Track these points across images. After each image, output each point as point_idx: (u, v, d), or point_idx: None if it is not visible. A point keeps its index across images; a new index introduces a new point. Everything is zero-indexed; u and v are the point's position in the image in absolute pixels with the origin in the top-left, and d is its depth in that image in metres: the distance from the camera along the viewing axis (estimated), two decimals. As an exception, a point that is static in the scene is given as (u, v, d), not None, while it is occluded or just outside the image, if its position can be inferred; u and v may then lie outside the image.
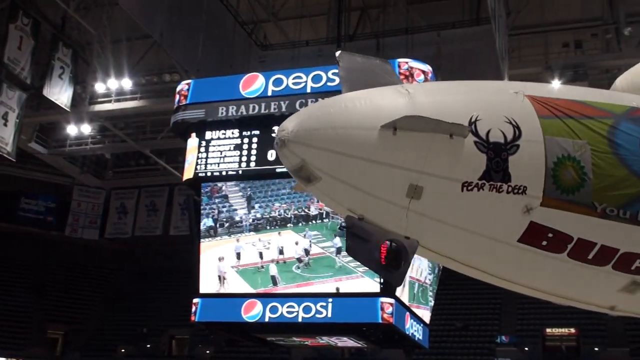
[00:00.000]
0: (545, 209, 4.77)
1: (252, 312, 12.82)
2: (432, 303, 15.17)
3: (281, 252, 13.71)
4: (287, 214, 13.82)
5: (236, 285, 13.64)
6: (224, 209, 14.18)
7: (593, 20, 28.22)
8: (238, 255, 13.94)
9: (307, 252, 13.34)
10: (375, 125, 4.52)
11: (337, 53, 5.37)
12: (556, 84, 25.89)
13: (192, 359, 37.89)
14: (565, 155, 4.82)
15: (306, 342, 15.69)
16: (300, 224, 13.57)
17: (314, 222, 13.42)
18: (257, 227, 13.95)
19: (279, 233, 13.78)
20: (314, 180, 4.75)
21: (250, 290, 13.45)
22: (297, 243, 13.59)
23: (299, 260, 13.32)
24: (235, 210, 14.15)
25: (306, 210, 13.60)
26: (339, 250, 13.01)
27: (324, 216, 13.28)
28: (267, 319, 12.75)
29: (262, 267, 13.61)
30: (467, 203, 4.68)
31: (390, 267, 4.63)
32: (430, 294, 15.00)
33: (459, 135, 4.53)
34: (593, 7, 28.01)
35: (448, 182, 4.62)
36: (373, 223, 4.68)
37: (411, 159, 4.53)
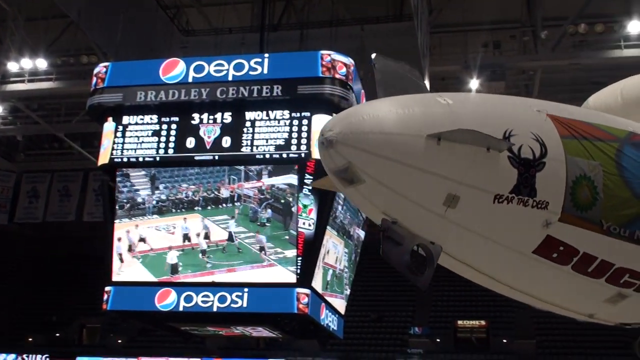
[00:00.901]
0: (562, 224, 5.10)
1: (166, 301, 12.58)
2: (347, 292, 15.25)
3: (187, 238, 13.15)
4: (195, 197, 13.18)
5: (137, 272, 13.11)
6: (125, 189, 13.51)
7: (511, 22, 28.94)
8: (139, 240, 13.33)
9: (229, 238, 12.80)
10: (421, 133, 4.67)
11: (373, 56, 5.58)
12: (474, 83, 26.48)
13: (103, 348, 37.08)
14: (582, 174, 5.17)
15: (221, 332, 15.56)
16: (209, 207, 13.14)
17: (224, 205, 13.00)
18: (161, 210, 13.34)
19: (185, 218, 13.17)
20: (356, 182, 4.86)
21: (152, 278, 13.00)
22: (205, 228, 13.02)
23: (216, 245, 12.91)
24: (137, 190, 13.57)
25: (216, 192, 13.16)
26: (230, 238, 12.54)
27: (236, 199, 12.89)
28: (181, 308, 12.54)
29: (166, 253, 13.12)
30: (496, 214, 4.95)
31: (417, 271, 4.88)
32: (346, 282, 15.06)
33: (496, 150, 4.77)
34: (512, 10, 28.70)
35: (483, 193, 4.88)
36: (405, 228, 4.85)
37: (452, 169, 4.75)
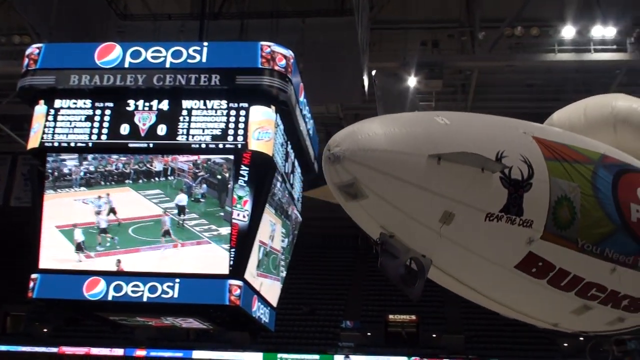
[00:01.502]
0: (543, 241, 5.46)
1: (95, 290, 12.28)
2: (283, 274, 15.20)
3: (113, 211, 12.56)
4: (126, 169, 12.66)
5: (61, 249, 12.55)
6: (50, 159, 12.86)
7: (450, 22, 29.35)
8: (64, 214, 12.68)
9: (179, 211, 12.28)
10: (424, 153, 4.90)
11: (373, 72, 5.87)
12: (412, 80, 26.74)
13: (27, 337, 36.18)
14: (564, 195, 5.51)
15: (150, 323, 15.33)
16: (140, 181, 12.77)
17: (157, 179, 12.64)
18: (89, 182, 12.86)
19: (108, 194, 12.57)
20: (360, 197, 5.09)
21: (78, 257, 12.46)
22: (136, 202, 12.38)
23: (147, 221, 12.42)
24: (64, 160, 12.98)
25: (149, 165, 12.79)
26: (181, 210, 12.20)
27: (169, 173, 12.51)
28: (110, 298, 12.26)
29: (93, 228, 12.61)
30: (486, 231, 5.25)
31: (410, 283, 5.09)
32: (283, 264, 15.00)
33: (490, 171, 5.04)
34: (451, 10, 29.10)
35: (476, 211, 5.16)
36: (401, 242, 5.09)
37: (451, 188, 5.01)
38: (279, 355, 36.04)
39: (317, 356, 36.28)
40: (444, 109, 27.29)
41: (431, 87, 28.23)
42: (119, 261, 12.29)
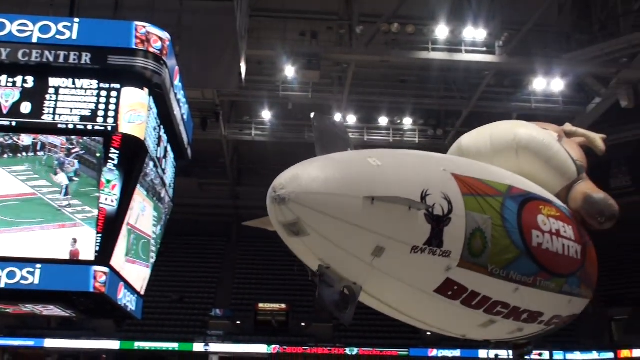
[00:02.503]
0: (459, 269, 6.21)
1: (-53, 275, 11.52)
2: (153, 260, 14.83)
3: None
4: None
5: None
6: None
7: (330, 15, 29.64)
8: None
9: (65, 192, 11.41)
10: (359, 195, 5.51)
11: (312, 115, 6.48)
12: (290, 70, 26.81)
13: None
14: (477, 227, 6.33)
15: (7, 310, 14.56)
16: (5, 156, 11.96)
17: (24, 154, 11.89)
18: None
19: None
20: (302, 235, 5.63)
21: None
22: None
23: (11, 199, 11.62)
24: None
25: (16, 139, 11.98)
26: (64, 191, 11.49)
27: (39, 148, 11.77)
28: (-37, 283, 11.54)
29: None
30: (411, 262, 5.90)
31: (343, 309, 5.68)
32: (153, 249, 14.62)
33: (416, 209, 5.70)
34: (331, 2, 29.40)
35: (403, 245, 5.82)
36: (336, 273, 5.69)
37: (382, 225, 5.64)
38: (137, 344, 35.32)
39: (176, 344, 35.85)
40: (320, 100, 27.84)
41: (308, 78, 28.47)
42: (-26, 243, 11.54)
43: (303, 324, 38.93)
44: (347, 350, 36.69)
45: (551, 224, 7.23)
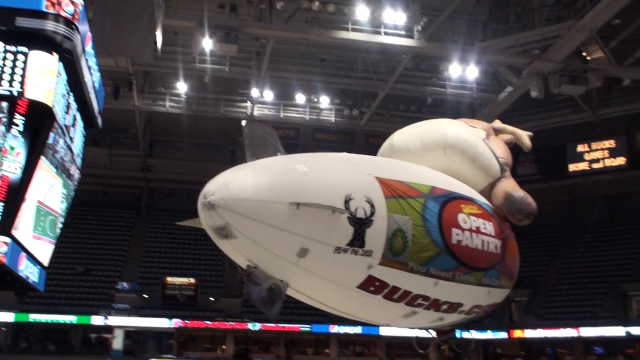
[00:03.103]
0: (380, 266, 6.62)
1: None
2: (58, 232, 14.38)
3: None
4: None
5: None
6: None
7: (250, -12, 29.28)
8: None
9: None
10: (285, 200, 5.93)
11: (243, 122, 6.90)
12: (207, 42, 26.37)
13: None
14: (398, 228, 6.67)
15: None
16: None
17: None
18: None
19: None
20: (230, 238, 6.04)
21: None
22: None
23: None
24: None
25: None
26: None
27: None
28: None
29: None
30: (334, 262, 6.33)
31: (270, 305, 6.18)
32: (60, 225, 14.18)
33: (339, 213, 6.11)
34: (252, -25, 29.05)
35: (327, 246, 6.23)
36: (264, 272, 6.15)
37: (307, 229, 6.06)
38: (32, 316, 34.20)
39: (74, 317, 35.03)
40: (237, 75, 27.41)
41: (226, 51, 28.09)
42: None
43: (212, 299, 38.78)
44: (250, 325, 36.84)
45: (471, 221, 7.68)
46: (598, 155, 39.71)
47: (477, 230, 7.74)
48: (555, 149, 40.05)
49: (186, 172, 42.78)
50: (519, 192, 8.40)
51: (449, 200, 7.59)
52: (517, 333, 37.57)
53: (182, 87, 36.58)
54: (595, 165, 39.85)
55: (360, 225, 6.42)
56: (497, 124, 9.80)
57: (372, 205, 6.54)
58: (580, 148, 40.09)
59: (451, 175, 8.39)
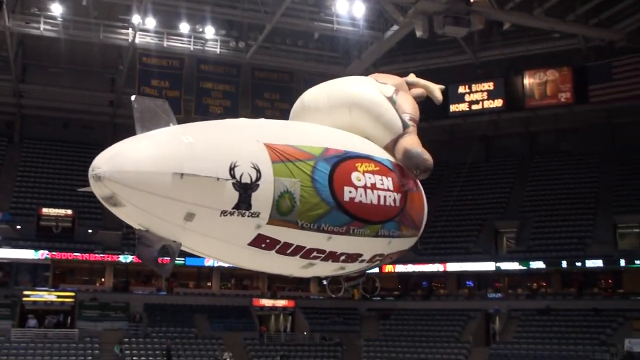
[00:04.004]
0: (269, 225, 7.17)
1: None
2: None
3: None
4: None
5: None
6: None
7: None
8: None
9: None
10: (169, 171, 6.44)
11: (133, 97, 7.05)
12: None
13: None
14: (285, 190, 7.22)
15: None
16: None
17: None
18: None
19: None
20: (118, 205, 6.55)
21: None
22: None
23: None
24: None
25: None
26: None
27: None
28: None
29: None
30: (222, 224, 6.86)
31: (162, 263, 6.83)
32: None
33: (223, 180, 6.64)
34: None
35: (212, 210, 6.74)
36: (155, 234, 6.69)
37: (190, 195, 6.57)
38: None
39: None
40: (119, 0, 25.86)
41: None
42: None
43: (90, 231, 37.83)
44: (122, 258, 36.48)
45: (366, 179, 8.09)
46: (477, 97, 41.06)
47: (373, 187, 8.13)
48: (436, 88, 40.94)
49: (63, 99, 41.09)
50: (416, 148, 8.68)
51: (343, 160, 7.99)
52: (389, 268, 38.84)
53: (57, 9, 34.64)
54: (474, 107, 41.21)
55: (246, 190, 6.91)
56: (411, 77, 10.09)
57: (257, 171, 7.01)
58: (461, 89, 41.27)
59: (357, 133, 8.84)
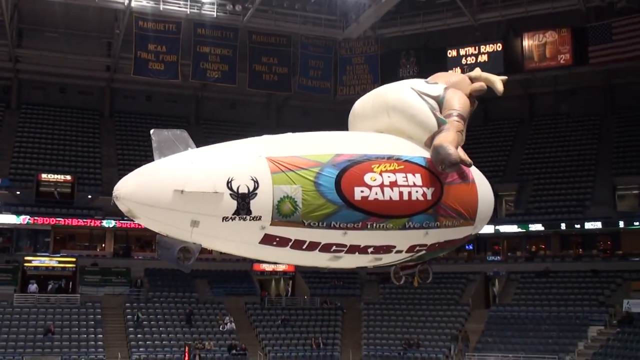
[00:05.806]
0: (273, 226, 8.22)
1: None
2: None
3: None
4: None
5: None
6: None
7: None
8: None
9: None
10: (171, 188, 7.77)
11: (152, 131, 8.36)
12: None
13: None
14: (285, 195, 8.22)
15: None
16: None
17: None
18: None
19: None
20: (137, 218, 8.09)
21: None
22: None
23: None
24: None
25: None
26: None
27: None
28: None
29: None
30: (226, 227, 8.07)
31: (184, 260, 8.08)
32: None
33: (220, 192, 7.90)
34: None
35: (213, 217, 7.98)
36: (173, 238, 8.14)
37: (192, 207, 7.89)
38: None
39: None
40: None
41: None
42: None
43: (89, 197, 37.85)
44: (105, 223, 36.54)
45: (384, 178, 8.77)
46: (476, 59, 40.70)
47: (393, 184, 8.78)
48: (435, 51, 40.73)
49: (59, 64, 40.79)
50: (443, 144, 9.20)
51: (355, 163, 8.76)
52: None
53: (53, -29, 34.24)
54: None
55: (244, 198, 8.03)
56: (476, 72, 10.73)
57: (255, 182, 8.11)
58: (460, 52, 40.92)
59: (399, 134, 9.67)
